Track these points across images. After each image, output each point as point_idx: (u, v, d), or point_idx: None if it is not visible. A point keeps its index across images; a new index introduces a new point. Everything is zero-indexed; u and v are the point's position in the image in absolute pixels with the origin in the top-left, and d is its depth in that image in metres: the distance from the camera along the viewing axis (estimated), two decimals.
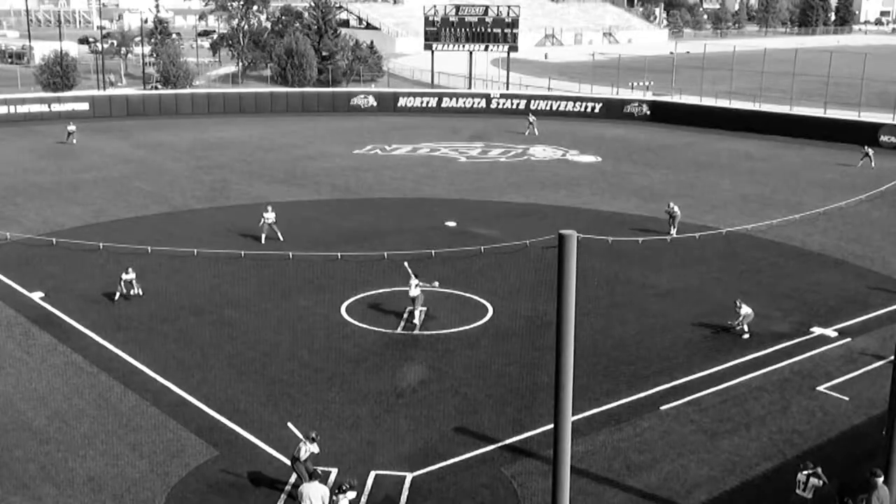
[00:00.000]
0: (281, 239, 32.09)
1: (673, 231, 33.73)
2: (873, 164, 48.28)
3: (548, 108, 65.71)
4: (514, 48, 70.35)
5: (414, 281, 24.59)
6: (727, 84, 70.03)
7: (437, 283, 25.43)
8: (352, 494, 14.84)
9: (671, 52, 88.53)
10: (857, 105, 62.60)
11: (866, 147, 49.61)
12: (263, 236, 32.11)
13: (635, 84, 76.16)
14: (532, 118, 58.92)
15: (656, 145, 55.03)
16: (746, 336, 24.23)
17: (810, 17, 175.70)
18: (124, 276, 26.09)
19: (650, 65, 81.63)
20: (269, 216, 32.22)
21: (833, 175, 46.67)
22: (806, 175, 46.64)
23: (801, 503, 14.96)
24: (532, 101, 66.21)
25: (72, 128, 52.65)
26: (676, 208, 34.12)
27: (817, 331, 24.87)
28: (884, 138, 55.21)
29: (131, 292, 26.13)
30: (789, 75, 67.87)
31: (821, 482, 14.84)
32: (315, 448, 16.39)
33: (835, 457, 17.92)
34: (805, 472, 14.98)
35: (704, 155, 52.09)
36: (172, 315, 25.02)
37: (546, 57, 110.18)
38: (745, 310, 24.29)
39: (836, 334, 24.64)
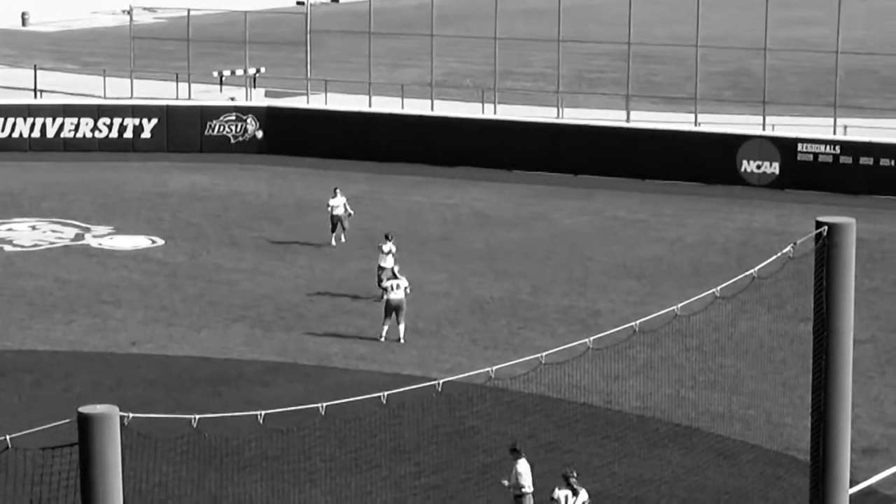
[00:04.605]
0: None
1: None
2: None
3: (16, 133, 66.69)
4: None
5: None
6: (421, 66, 73.38)
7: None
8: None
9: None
10: (690, 101, 67.74)
11: None
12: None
13: (226, 73, 78.28)
14: (336, 200, 55.09)
15: (282, 204, 56.74)
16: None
17: None
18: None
19: (265, 27, 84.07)
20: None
21: (655, 247, 50.06)
22: (601, 250, 49.76)
23: None
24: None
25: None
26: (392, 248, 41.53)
27: None
28: (746, 167, 60.00)
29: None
30: (551, 43, 71.56)
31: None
32: None
33: None
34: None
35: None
36: None
37: (26, 21, 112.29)
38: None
39: None
